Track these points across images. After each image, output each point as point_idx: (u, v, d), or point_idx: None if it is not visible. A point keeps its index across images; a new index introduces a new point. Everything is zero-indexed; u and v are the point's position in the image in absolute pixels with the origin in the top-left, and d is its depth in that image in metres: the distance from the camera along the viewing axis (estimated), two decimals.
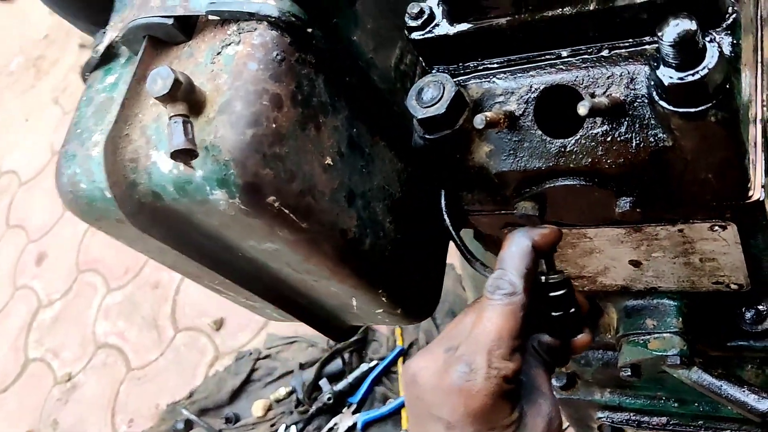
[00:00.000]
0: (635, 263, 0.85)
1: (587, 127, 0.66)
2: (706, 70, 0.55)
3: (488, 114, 0.66)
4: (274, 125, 0.63)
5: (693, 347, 0.90)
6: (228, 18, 0.66)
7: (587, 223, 0.77)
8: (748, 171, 0.64)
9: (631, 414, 1.11)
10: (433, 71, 0.74)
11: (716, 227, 0.73)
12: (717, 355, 0.98)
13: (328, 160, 0.69)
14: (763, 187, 0.68)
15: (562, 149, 0.68)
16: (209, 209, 0.65)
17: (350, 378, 2.41)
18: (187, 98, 0.61)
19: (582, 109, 0.58)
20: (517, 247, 0.64)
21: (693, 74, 0.55)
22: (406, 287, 0.82)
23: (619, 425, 1.13)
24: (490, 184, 0.75)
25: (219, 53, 0.65)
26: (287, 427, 2.45)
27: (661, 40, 0.55)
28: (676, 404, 1.07)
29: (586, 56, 0.66)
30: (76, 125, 0.72)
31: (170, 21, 0.67)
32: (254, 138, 0.62)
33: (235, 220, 0.66)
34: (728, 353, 0.97)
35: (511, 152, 0.70)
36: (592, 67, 0.66)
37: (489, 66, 0.71)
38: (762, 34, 0.76)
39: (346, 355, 2.48)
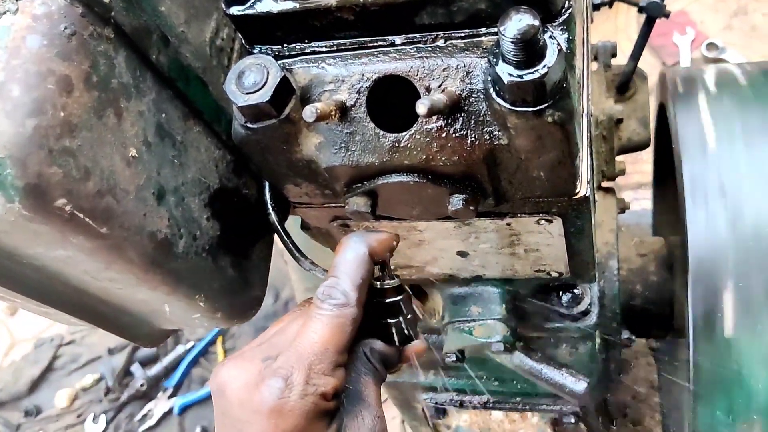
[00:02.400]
0: (462, 254, 0.84)
1: (422, 122, 0.62)
2: (546, 69, 0.53)
3: (318, 105, 0.59)
4: (62, 114, 0.53)
5: (515, 333, 0.92)
6: None
7: (419, 219, 0.74)
8: (578, 169, 0.64)
9: (454, 394, 1.13)
10: (255, 52, 0.66)
11: (542, 221, 0.73)
12: (534, 336, 1.01)
13: (133, 152, 0.60)
14: (588, 182, 0.68)
15: (396, 144, 0.63)
16: None
17: (165, 362, 2.28)
18: None
19: (421, 108, 0.54)
20: (353, 253, 0.59)
21: (533, 72, 0.53)
22: (227, 289, 0.75)
23: (442, 405, 1.14)
24: (319, 178, 0.69)
25: None
26: (96, 417, 2.27)
27: (503, 35, 0.52)
28: (496, 383, 1.10)
29: (420, 45, 0.62)
30: None
31: None
32: (37, 130, 0.51)
33: (15, 226, 0.54)
34: (546, 334, 1.00)
35: (342, 145, 0.64)
36: (427, 57, 0.61)
37: (317, 50, 0.65)
38: (588, 26, 0.77)
39: None
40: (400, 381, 1.13)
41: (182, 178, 0.66)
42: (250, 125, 0.63)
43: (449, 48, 0.61)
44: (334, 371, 0.54)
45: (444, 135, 0.62)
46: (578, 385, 0.89)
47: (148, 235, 0.62)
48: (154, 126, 0.63)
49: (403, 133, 0.63)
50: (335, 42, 0.64)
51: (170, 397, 2.25)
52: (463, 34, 0.61)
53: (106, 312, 0.75)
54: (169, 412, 2.23)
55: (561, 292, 0.96)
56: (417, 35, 0.62)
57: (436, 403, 1.14)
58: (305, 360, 0.54)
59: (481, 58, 0.60)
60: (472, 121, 0.61)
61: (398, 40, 0.63)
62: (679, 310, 1.20)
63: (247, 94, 0.61)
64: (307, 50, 0.65)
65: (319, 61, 0.64)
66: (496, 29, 0.59)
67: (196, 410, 2.23)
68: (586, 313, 0.96)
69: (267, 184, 0.75)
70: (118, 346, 2.35)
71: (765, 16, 2.23)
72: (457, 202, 0.65)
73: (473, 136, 0.61)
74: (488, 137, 0.61)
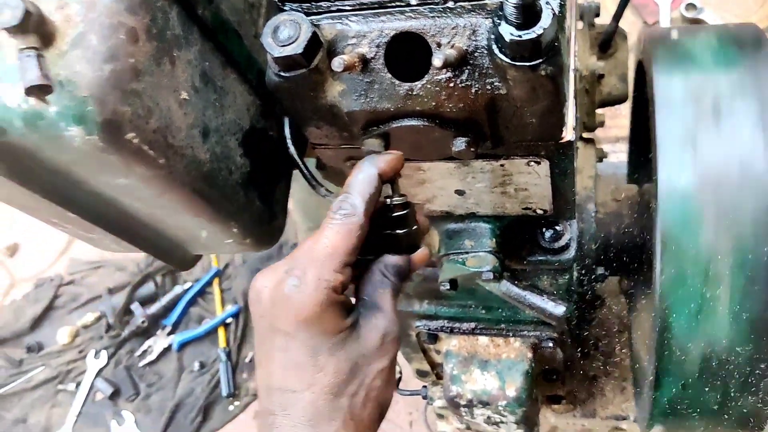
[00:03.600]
0: (460, 192, 0.95)
1: (433, 73, 0.72)
2: (541, 30, 0.63)
3: (345, 57, 0.69)
4: (131, 60, 0.62)
5: (503, 263, 1.03)
6: None
7: (425, 159, 0.84)
8: (565, 117, 0.75)
9: (445, 321, 1.25)
10: (286, 8, 0.75)
11: (532, 162, 0.84)
12: (519, 268, 1.12)
13: (184, 95, 0.69)
14: (573, 129, 0.79)
15: (410, 92, 0.73)
16: (61, 145, 0.63)
17: (163, 300, 2.39)
18: (37, 30, 0.57)
19: (437, 60, 0.64)
20: (364, 174, 0.70)
21: (530, 33, 0.63)
22: (256, 219, 0.85)
23: (435, 331, 1.27)
24: (339, 122, 0.79)
25: None
26: (97, 353, 2.39)
27: (507, 0, 0.61)
28: (483, 311, 1.22)
29: (432, 6, 0.71)
30: None
31: None
32: (113, 74, 0.60)
33: (89, 156, 0.64)
34: (528, 266, 1.12)
35: (362, 93, 0.74)
36: (438, 17, 0.71)
37: (342, 8, 0.74)
38: None
39: (159, 278, 2.45)
40: (399, 310, 1.25)
41: (221, 119, 0.76)
42: (282, 74, 0.72)
43: (458, 9, 0.71)
44: (342, 269, 0.65)
45: (451, 85, 0.72)
46: (558, 308, 1.01)
47: (196, 167, 0.72)
48: (199, 73, 0.72)
49: (416, 83, 0.73)
50: (357, 2, 0.73)
51: (169, 334, 2.36)
52: None
53: (148, 236, 0.85)
54: (168, 348, 2.35)
55: (544, 229, 1.08)
56: None
57: (429, 329, 1.26)
58: (316, 261, 0.64)
59: (486, 18, 0.70)
60: (476, 74, 0.71)
61: (413, 1, 0.72)
62: (649, 249, 1.32)
63: (282, 46, 0.70)
64: (332, 8, 0.74)
65: (344, 18, 0.74)
66: None
67: (194, 346, 2.35)
68: (565, 248, 1.08)
69: (287, 126, 0.84)
70: (118, 285, 2.45)
71: None
72: (460, 144, 0.76)
73: (477, 86, 0.71)
74: (489, 87, 0.71)
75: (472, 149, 0.76)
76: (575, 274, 1.15)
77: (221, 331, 2.30)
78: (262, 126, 0.84)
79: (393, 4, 0.73)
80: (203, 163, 0.73)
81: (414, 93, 0.73)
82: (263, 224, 0.87)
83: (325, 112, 0.77)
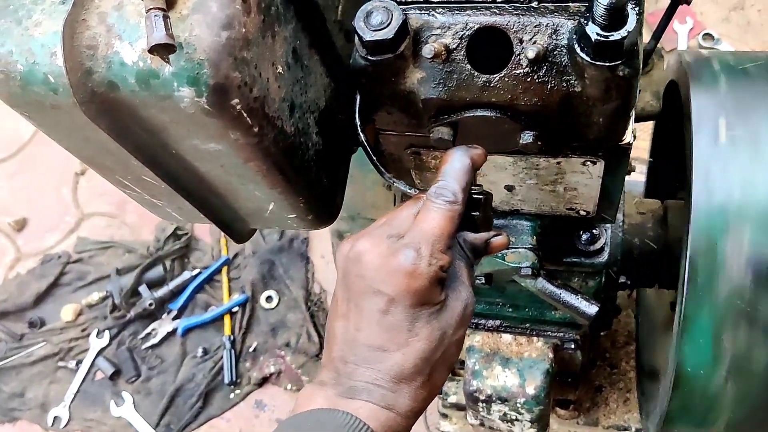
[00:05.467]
0: (509, 188, 0.99)
1: (511, 67, 0.76)
2: (626, 32, 0.67)
3: (435, 45, 0.73)
4: (244, 30, 0.65)
5: (541, 261, 1.07)
6: None
7: (489, 150, 0.88)
8: (630, 119, 0.79)
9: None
10: None
11: (588, 162, 0.89)
12: (553, 268, 1.17)
13: (280, 69, 0.73)
14: (632, 132, 0.84)
15: (487, 84, 0.77)
16: (168, 105, 0.66)
17: (171, 285, 2.40)
18: None
19: (531, 53, 0.68)
20: (460, 163, 0.74)
21: (616, 34, 0.67)
22: (321, 196, 0.88)
23: None
24: (413, 108, 0.83)
25: None
26: (100, 332, 2.39)
27: (599, 2, 0.66)
28: (510, 309, 1.26)
29: (517, 4, 0.76)
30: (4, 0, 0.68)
31: None
32: (228, 41, 0.64)
33: (191, 118, 0.67)
34: (562, 267, 1.16)
35: (441, 81, 0.78)
36: (522, 14, 0.75)
37: (429, 0, 0.78)
38: None
39: (168, 263, 2.46)
40: None
41: (305, 96, 0.80)
42: (370, 57, 0.76)
43: (541, 9, 0.75)
44: (447, 251, 0.70)
45: (528, 79, 0.76)
46: (591, 308, 1.05)
47: (282, 139, 0.75)
48: (291, 50, 0.75)
49: (495, 75, 0.77)
50: None
51: (174, 318, 2.38)
52: None
53: (216, 205, 0.88)
54: (173, 332, 2.36)
55: (581, 231, 1.12)
56: None
57: None
58: (429, 238, 0.69)
59: (568, 19, 0.74)
60: (554, 70, 0.75)
61: None
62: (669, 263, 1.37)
63: (374, 31, 0.74)
64: (420, 0, 0.78)
65: (431, 10, 0.78)
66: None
67: (198, 333, 2.36)
68: (600, 251, 1.12)
69: (357, 110, 0.88)
70: (126, 267, 2.46)
71: (760, 13, 2.40)
72: (527, 137, 0.80)
73: (553, 82, 0.75)
74: (565, 85, 0.75)
75: (539, 143, 0.80)
76: (603, 278, 1.20)
77: (227, 319, 2.32)
78: (334, 108, 0.88)
79: (478, 1, 0.77)
80: (288, 136, 0.77)
81: (491, 85, 0.77)
82: (326, 203, 0.90)
83: (402, 98, 0.81)
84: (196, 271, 2.43)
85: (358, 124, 0.88)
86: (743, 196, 1.02)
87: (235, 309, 2.35)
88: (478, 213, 0.77)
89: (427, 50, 0.73)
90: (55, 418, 2.31)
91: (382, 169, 0.87)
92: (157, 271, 2.43)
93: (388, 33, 0.74)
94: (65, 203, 2.71)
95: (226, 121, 0.68)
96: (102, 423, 2.28)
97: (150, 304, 2.34)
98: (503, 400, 1.27)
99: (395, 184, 0.86)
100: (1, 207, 2.73)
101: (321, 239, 2.44)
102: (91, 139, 0.73)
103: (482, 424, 1.36)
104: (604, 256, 1.13)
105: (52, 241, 2.65)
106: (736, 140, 1.10)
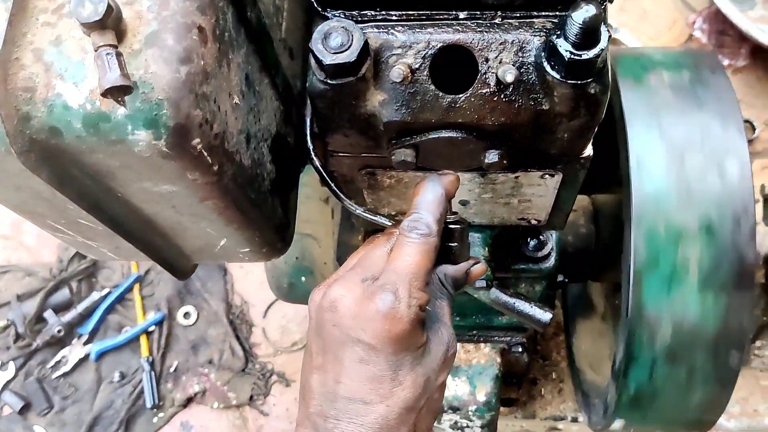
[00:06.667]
0: (464, 202, 0.97)
1: (477, 86, 0.73)
2: (599, 50, 0.66)
3: (402, 68, 0.69)
4: (202, 62, 0.59)
5: (494, 272, 1.06)
6: None
7: (451, 169, 0.85)
8: (593, 132, 0.78)
9: None
10: (329, 15, 0.74)
11: (546, 176, 0.87)
12: (501, 276, 1.16)
13: (236, 100, 0.67)
14: (592, 145, 0.83)
15: (452, 104, 0.74)
16: (119, 149, 0.59)
17: (80, 308, 2.24)
18: (114, 26, 0.54)
19: (509, 76, 0.66)
20: (433, 194, 0.70)
21: (589, 53, 0.66)
22: (276, 226, 0.83)
23: None
24: (372, 131, 0.78)
25: None
26: (3, 364, 2.21)
27: (573, 20, 0.64)
28: (458, 318, 1.25)
29: (480, 21, 0.73)
30: None
31: None
32: (188, 76, 0.57)
33: (145, 161, 0.60)
34: (510, 275, 1.16)
35: (404, 103, 0.74)
36: (486, 31, 0.72)
37: (388, 17, 0.74)
38: None
39: (74, 284, 2.30)
40: None
41: (258, 125, 0.74)
42: (329, 81, 0.71)
43: (506, 25, 0.73)
44: (425, 288, 0.66)
45: (495, 99, 0.73)
46: (545, 315, 1.05)
47: (241, 173, 0.70)
48: (245, 77, 0.70)
49: (460, 95, 0.74)
50: (404, 12, 0.74)
51: (86, 343, 2.23)
52: (518, 15, 0.73)
53: (158, 244, 0.81)
54: (85, 358, 2.21)
55: (528, 238, 1.12)
56: (478, 12, 0.73)
57: None
58: (405, 278, 0.65)
59: (533, 36, 0.72)
60: (521, 89, 0.73)
61: (461, 14, 0.73)
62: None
63: (334, 53, 0.69)
64: (378, 17, 0.74)
65: (389, 28, 0.74)
66: (548, 13, 0.72)
67: (113, 356, 2.22)
68: (547, 256, 1.13)
69: (309, 132, 0.83)
70: (28, 292, 2.28)
71: (653, 2, 2.50)
72: (492, 156, 0.77)
73: (520, 101, 0.73)
74: (533, 103, 0.73)
75: (504, 161, 0.78)
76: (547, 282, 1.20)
77: (143, 340, 2.19)
78: (284, 132, 0.82)
79: (440, 17, 0.73)
80: (246, 170, 0.71)
81: (457, 105, 0.74)
82: (280, 232, 0.85)
83: (362, 120, 0.77)
84: (106, 290, 2.29)
85: (311, 147, 0.83)
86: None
87: (152, 328, 2.23)
88: (455, 244, 0.74)
89: (396, 73, 0.69)
90: None
91: (341, 195, 0.83)
92: (63, 294, 2.26)
93: (349, 56, 0.69)
94: None
95: (185, 163, 0.62)
96: None
97: (58, 330, 2.18)
98: (455, 410, 1.26)
99: (357, 212, 0.82)
100: None
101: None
102: (22, 187, 0.65)
103: None
104: (551, 261, 1.13)
105: None
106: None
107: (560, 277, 1.36)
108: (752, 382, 1.69)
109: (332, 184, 0.83)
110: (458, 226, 0.74)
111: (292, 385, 2.15)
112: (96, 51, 0.53)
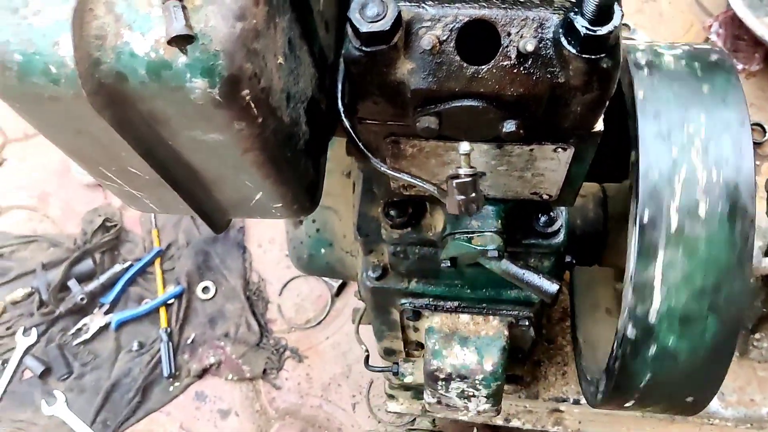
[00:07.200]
0: (480, 175, 1.03)
1: (498, 59, 0.80)
2: (613, 27, 0.72)
3: (431, 37, 0.76)
4: (254, 21, 0.66)
5: (505, 243, 1.12)
6: None
7: (470, 138, 0.92)
8: (604, 108, 0.84)
9: (431, 299, 1.32)
10: None
11: (559, 149, 0.94)
12: (511, 250, 1.22)
13: (280, 60, 0.74)
14: (603, 120, 0.89)
15: (475, 75, 0.80)
16: (177, 96, 0.66)
17: (102, 278, 2.33)
18: None
19: (530, 46, 0.72)
20: None
21: (604, 29, 0.72)
22: (306, 186, 0.90)
23: (419, 309, 1.34)
24: (400, 98, 0.85)
25: None
26: (26, 330, 2.29)
27: None
28: (468, 290, 1.31)
29: None
30: None
31: None
32: (242, 32, 0.64)
33: (198, 109, 0.67)
34: (520, 249, 1.22)
35: (431, 72, 0.81)
36: (509, 8, 0.79)
37: None
38: None
39: (98, 256, 2.38)
40: (387, 287, 1.31)
41: (297, 87, 0.81)
42: (364, 48, 0.78)
43: (527, 3, 0.79)
44: None
45: (515, 71, 0.80)
46: (552, 286, 1.11)
47: (280, 129, 0.76)
48: (287, 41, 0.76)
49: (483, 66, 0.80)
50: None
51: (106, 313, 2.31)
52: None
53: (199, 195, 0.88)
54: (106, 327, 2.29)
55: (539, 213, 1.18)
56: None
57: (414, 306, 1.33)
58: None
59: (552, 13, 0.78)
60: (540, 62, 0.79)
61: None
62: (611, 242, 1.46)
63: (370, 22, 0.76)
64: None
65: (420, 2, 0.80)
66: None
67: (132, 326, 2.30)
68: (557, 232, 1.19)
69: (342, 99, 0.89)
70: (52, 261, 2.37)
71: (670, 4, 2.55)
72: (510, 126, 0.84)
73: (538, 74, 0.79)
74: (550, 76, 0.79)
75: (521, 131, 0.84)
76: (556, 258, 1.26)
77: (162, 312, 2.27)
78: (318, 97, 0.89)
79: None
80: (285, 127, 0.78)
81: (479, 76, 0.81)
82: (311, 191, 0.92)
83: (391, 88, 0.83)
84: (128, 263, 2.37)
85: (343, 113, 0.89)
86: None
87: (171, 301, 2.31)
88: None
89: (426, 42, 0.75)
90: None
91: (366, 153, 0.89)
92: (87, 265, 2.35)
93: (384, 25, 0.75)
94: None
95: (233, 112, 0.68)
96: (33, 423, 2.20)
97: (81, 299, 2.26)
98: (463, 378, 1.32)
99: (383, 169, 0.89)
100: None
101: (258, 228, 2.43)
102: (83, 131, 0.72)
103: (439, 402, 1.41)
104: (561, 237, 1.19)
105: None
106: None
107: (568, 258, 1.42)
108: (750, 372, 1.74)
109: (360, 145, 0.89)
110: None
111: (304, 360, 2.22)
112: (164, 3, 0.60)
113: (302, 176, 0.87)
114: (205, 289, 2.33)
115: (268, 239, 2.43)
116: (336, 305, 2.31)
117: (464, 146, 0.85)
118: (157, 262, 2.37)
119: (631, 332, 1.13)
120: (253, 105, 0.69)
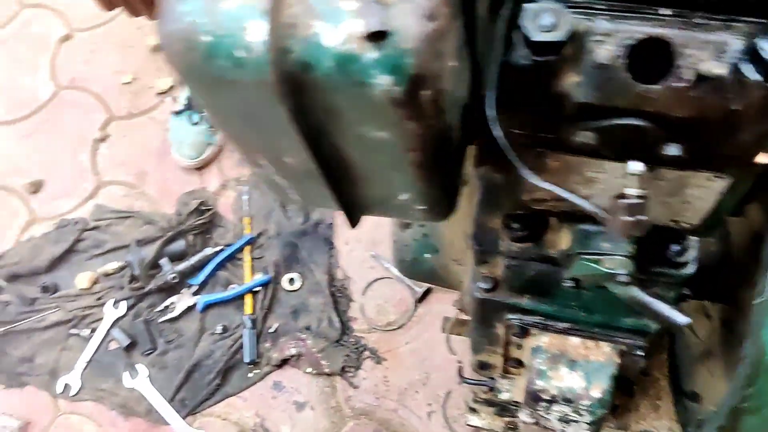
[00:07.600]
0: (621, 196, 1.00)
1: (671, 79, 0.77)
2: None
3: (607, 51, 0.73)
4: (443, 22, 0.65)
5: (636, 269, 1.09)
6: None
7: (621, 159, 0.89)
8: None
9: (541, 318, 1.29)
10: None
11: (715, 178, 0.90)
12: (637, 277, 1.18)
13: (453, 63, 0.72)
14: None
15: (644, 93, 0.78)
16: (358, 91, 0.65)
17: (193, 260, 2.38)
18: None
19: (716, 69, 0.69)
20: None
21: None
22: (449, 190, 0.89)
23: (527, 326, 1.31)
24: (559, 111, 0.83)
25: None
26: (116, 302, 2.36)
27: None
28: (583, 312, 1.27)
29: (684, 19, 0.76)
30: None
31: None
32: (434, 32, 0.63)
33: (375, 106, 0.67)
34: (645, 276, 1.18)
35: (598, 87, 0.79)
36: (687, 29, 0.76)
37: (594, 6, 0.78)
38: None
39: (190, 237, 2.44)
40: (497, 300, 1.29)
41: (458, 92, 0.79)
42: (533, 57, 0.76)
43: (707, 25, 0.76)
44: None
45: (687, 94, 0.77)
46: (684, 318, 1.07)
47: (444, 132, 0.75)
48: (458, 44, 0.75)
49: (653, 86, 0.77)
50: (608, 3, 0.78)
51: (194, 294, 2.36)
52: (721, 17, 0.76)
53: (347, 191, 0.88)
54: (192, 308, 2.34)
55: (671, 242, 1.14)
56: (680, 10, 0.77)
57: (522, 322, 1.31)
58: None
59: (734, 37, 0.75)
60: (715, 86, 0.76)
61: (664, 11, 0.77)
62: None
63: (543, 32, 0.74)
64: (583, 5, 0.79)
65: (593, 16, 0.78)
66: (752, 19, 0.75)
67: (218, 310, 2.35)
68: (687, 263, 1.14)
69: (492, 107, 0.88)
70: (146, 238, 2.43)
71: None
72: (673, 149, 0.81)
73: (711, 98, 0.76)
74: (725, 102, 0.76)
75: (684, 156, 0.81)
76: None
77: (248, 299, 2.31)
78: (469, 103, 0.87)
79: (643, 11, 0.77)
80: (445, 130, 0.77)
81: (647, 95, 0.78)
82: (451, 198, 0.91)
83: (552, 99, 0.81)
84: (219, 247, 2.42)
85: (494, 121, 0.88)
86: None
87: (257, 289, 2.35)
88: None
89: (603, 56, 0.73)
90: (65, 385, 2.28)
91: (518, 161, 0.87)
92: (179, 245, 2.40)
93: (558, 35, 0.74)
94: (83, 169, 2.67)
95: (410, 111, 0.68)
96: (114, 393, 2.26)
97: (173, 277, 2.32)
98: (568, 401, 1.28)
99: (539, 183, 0.87)
100: (14, 168, 2.67)
101: (346, 226, 2.44)
102: (253, 117, 0.72)
103: (536, 423, 1.38)
104: (690, 268, 1.14)
105: (68, 206, 2.60)
106: None
107: (686, 290, 1.37)
108: None
109: (514, 154, 0.87)
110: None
111: (383, 363, 2.21)
112: None
113: (449, 182, 0.86)
114: (291, 281, 2.35)
115: (355, 238, 2.43)
116: (418, 311, 2.30)
117: (636, 166, 0.82)
118: (247, 249, 2.41)
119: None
120: (429, 106, 0.68)
